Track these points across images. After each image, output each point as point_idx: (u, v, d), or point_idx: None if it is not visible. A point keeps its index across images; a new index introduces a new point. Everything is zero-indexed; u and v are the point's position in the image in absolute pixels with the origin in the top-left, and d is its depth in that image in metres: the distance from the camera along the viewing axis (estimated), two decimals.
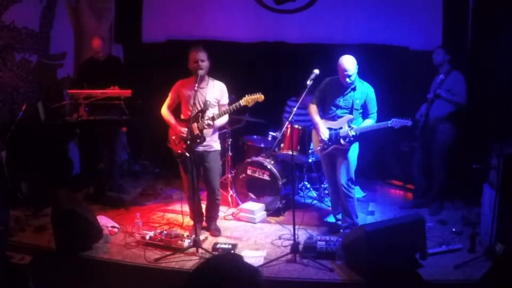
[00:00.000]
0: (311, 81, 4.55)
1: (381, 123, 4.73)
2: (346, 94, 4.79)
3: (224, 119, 4.81)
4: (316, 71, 4.54)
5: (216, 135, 4.96)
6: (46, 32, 6.37)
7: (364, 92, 4.77)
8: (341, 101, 4.82)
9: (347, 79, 4.68)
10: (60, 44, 6.58)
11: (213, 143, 4.87)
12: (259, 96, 4.59)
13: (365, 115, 4.83)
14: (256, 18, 6.63)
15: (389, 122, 4.68)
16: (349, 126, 4.77)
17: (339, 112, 4.83)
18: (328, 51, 6.16)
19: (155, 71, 6.74)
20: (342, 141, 4.78)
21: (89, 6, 6.81)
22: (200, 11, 6.74)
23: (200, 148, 4.78)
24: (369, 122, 4.78)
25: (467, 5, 5.93)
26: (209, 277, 1.69)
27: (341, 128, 4.79)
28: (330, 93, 4.87)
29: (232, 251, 4.57)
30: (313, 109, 4.97)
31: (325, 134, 4.82)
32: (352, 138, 4.76)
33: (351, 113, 4.79)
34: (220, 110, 4.76)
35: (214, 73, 4.87)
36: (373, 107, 4.81)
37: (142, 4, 6.92)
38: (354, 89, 4.77)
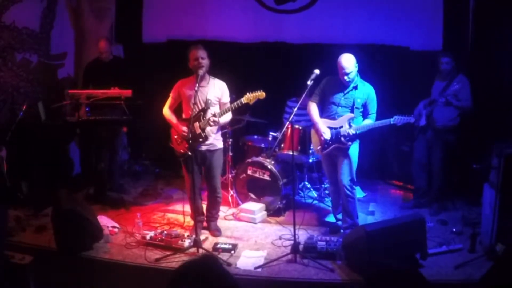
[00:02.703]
0: (312, 81, 4.54)
1: (383, 121, 4.71)
2: (347, 92, 4.78)
3: (228, 116, 4.80)
4: (317, 71, 4.54)
5: (219, 133, 4.96)
6: (47, 32, 6.36)
7: (365, 92, 4.77)
8: (342, 100, 4.81)
9: (346, 77, 4.68)
10: (61, 44, 6.57)
11: (216, 141, 4.87)
12: (261, 94, 4.59)
13: (364, 115, 4.83)
14: (256, 18, 6.62)
15: (391, 119, 4.66)
16: (350, 125, 4.76)
17: (340, 110, 4.82)
18: (328, 51, 6.15)
19: (155, 71, 6.73)
20: (343, 139, 4.77)
21: (90, 6, 6.80)
22: (200, 11, 6.74)
23: (203, 147, 4.78)
24: (369, 122, 4.78)
25: (467, 5, 5.92)
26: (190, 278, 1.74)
27: (341, 126, 4.78)
28: (331, 92, 4.85)
29: (232, 251, 4.58)
30: (313, 107, 4.94)
31: (326, 133, 4.80)
32: (352, 137, 4.75)
33: (352, 111, 4.78)
34: (221, 108, 4.76)
35: (214, 73, 4.87)
36: (373, 108, 4.80)
37: (142, 4, 6.92)
38: (355, 88, 4.76)
